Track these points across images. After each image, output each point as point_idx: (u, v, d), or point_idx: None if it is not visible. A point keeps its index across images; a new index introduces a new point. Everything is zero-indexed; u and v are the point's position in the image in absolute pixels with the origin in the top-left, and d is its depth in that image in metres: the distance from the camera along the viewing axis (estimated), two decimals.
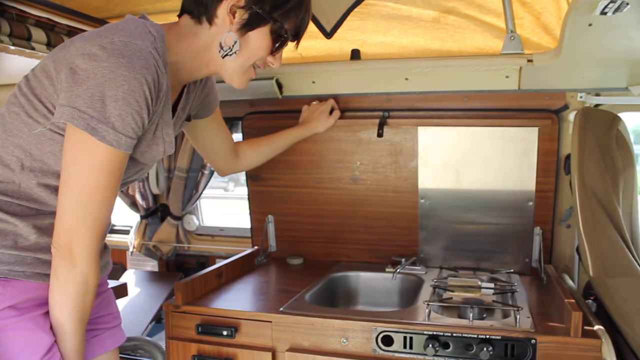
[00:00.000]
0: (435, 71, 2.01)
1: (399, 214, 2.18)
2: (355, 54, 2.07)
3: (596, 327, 1.45)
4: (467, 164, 2.07)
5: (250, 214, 2.37)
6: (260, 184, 2.31)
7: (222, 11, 1.30)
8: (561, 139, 1.98)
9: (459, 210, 2.13)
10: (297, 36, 1.41)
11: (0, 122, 1.27)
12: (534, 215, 2.04)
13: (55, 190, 1.23)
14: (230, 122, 2.41)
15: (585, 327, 1.45)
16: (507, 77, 1.95)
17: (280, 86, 2.19)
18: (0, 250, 1.20)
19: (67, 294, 1.20)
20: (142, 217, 2.81)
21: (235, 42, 1.32)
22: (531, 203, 2.03)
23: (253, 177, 2.30)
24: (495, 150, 2.03)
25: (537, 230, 2.04)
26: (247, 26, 1.32)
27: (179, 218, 2.72)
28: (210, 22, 1.32)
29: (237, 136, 2.45)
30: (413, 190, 2.15)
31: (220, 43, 1.33)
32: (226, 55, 1.34)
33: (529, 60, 1.86)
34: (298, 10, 1.36)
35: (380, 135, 2.10)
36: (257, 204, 2.35)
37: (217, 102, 1.72)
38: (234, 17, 1.30)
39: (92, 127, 1.13)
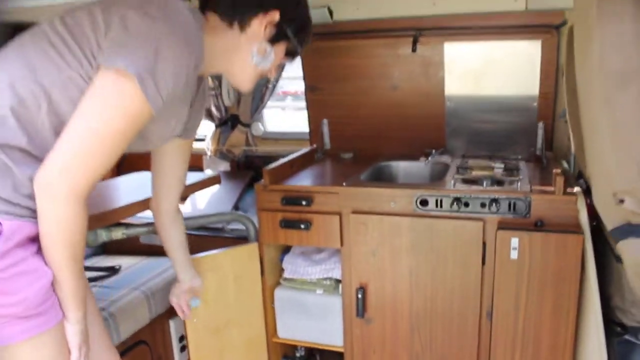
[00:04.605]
0: None
1: (429, 114, 2.67)
2: None
3: (575, 189, 1.96)
4: (484, 73, 2.54)
5: (309, 118, 2.91)
6: (318, 94, 2.82)
7: (256, 23, 1.39)
8: (560, 50, 2.40)
9: (478, 111, 2.61)
10: (298, 55, 1.56)
11: (19, 56, 1.20)
12: (538, 113, 2.52)
13: None
14: None
15: (568, 189, 1.98)
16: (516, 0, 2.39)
17: (330, 12, 2.63)
18: (3, 190, 1.16)
19: (54, 240, 1.19)
20: (216, 126, 3.37)
21: (270, 52, 1.44)
22: (535, 103, 2.50)
23: (311, 88, 2.83)
24: (506, 61, 2.49)
25: (540, 125, 2.50)
26: (274, 41, 1.44)
27: (247, 125, 3.27)
28: (242, 29, 1.40)
29: None
30: (441, 94, 2.63)
31: (253, 52, 1.42)
32: (258, 64, 1.44)
33: None
34: (309, 36, 1.53)
35: (414, 50, 2.58)
36: (315, 110, 2.88)
37: (194, 131, 1.69)
38: (264, 30, 1.41)
39: (141, 76, 1.14)
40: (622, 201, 1.10)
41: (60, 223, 1.18)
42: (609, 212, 1.14)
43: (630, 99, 1.00)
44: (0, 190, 1.15)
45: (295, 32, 1.46)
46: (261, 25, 1.40)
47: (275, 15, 1.40)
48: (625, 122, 1.03)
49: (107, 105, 1.16)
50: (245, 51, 1.43)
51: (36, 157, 1.19)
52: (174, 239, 1.92)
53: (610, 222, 1.14)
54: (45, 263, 1.21)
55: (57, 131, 1.19)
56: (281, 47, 1.47)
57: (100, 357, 1.55)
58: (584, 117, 1.45)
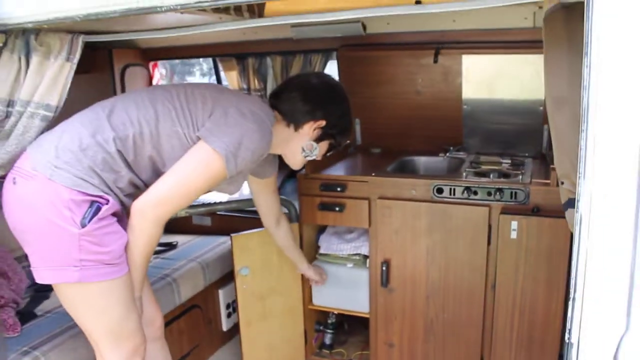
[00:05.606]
0: (474, 14, 2.72)
1: (448, 116, 3.02)
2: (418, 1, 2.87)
3: None
4: (496, 80, 2.89)
5: None
6: (351, 97, 3.16)
7: (308, 126, 1.91)
8: None
9: (491, 113, 2.95)
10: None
11: (152, 105, 1.71)
12: (543, 116, 2.82)
13: (154, 172, 1.73)
14: (327, 53, 3.27)
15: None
16: (525, 18, 2.70)
17: (364, 26, 2.99)
18: (109, 179, 1.65)
19: (137, 245, 1.68)
20: None
21: (316, 149, 1.96)
22: (541, 108, 2.81)
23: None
24: (516, 71, 2.84)
25: (545, 127, 2.81)
26: (320, 139, 1.96)
27: None
28: (296, 129, 1.92)
29: (333, 63, 3.32)
30: (459, 99, 2.97)
31: (303, 147, 1.94)
32: (307, 156, 1.98)
33: (539, 7, 2.66)
34: (349, 137, 2.09)
35: (435, 61, 2.93)
36: None
37: (272, 173, 2.27)
38: (313, 132, 1.93)
39: (227, 157, 1.65)
40: (562, 183, 1.50)
41: (144, 237, 1.67)
42: (561, 192, 1.53)
43: (565, 118, 1.40)
44: (107, 179, 1.66)
45: (337, 134, 1.98)
46: (311, 128, 1.91)
47: (322, 123, 1.92)
48: (562, 132, 1.44)
49: (198, 168, 1.68)
50: (297, 145, 1.95)
51: (132, 170, 1.70)
52: (281, 245, 2.56)
53: (562, 199, 1.53)
54: (123, 228, 1.69)
55: (152, 159, 1.71)
56: (326, 143, 2.00)
57: (149, 309, 2.01)
58: None
